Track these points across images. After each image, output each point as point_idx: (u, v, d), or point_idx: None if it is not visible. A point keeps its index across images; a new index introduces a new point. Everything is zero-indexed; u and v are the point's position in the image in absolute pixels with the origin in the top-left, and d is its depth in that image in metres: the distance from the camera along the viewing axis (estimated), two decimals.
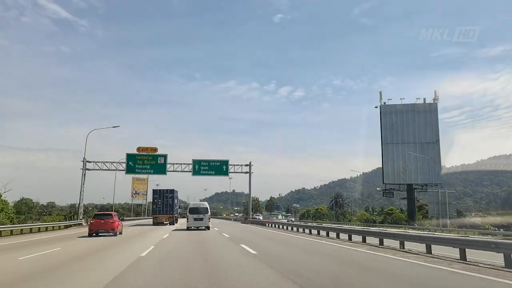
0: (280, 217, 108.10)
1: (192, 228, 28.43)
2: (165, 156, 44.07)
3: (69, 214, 47.44)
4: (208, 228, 28.77)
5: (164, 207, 41.09)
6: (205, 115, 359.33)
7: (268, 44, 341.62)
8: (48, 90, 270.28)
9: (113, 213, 25.94)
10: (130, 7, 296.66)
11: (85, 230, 26.60)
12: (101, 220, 22.73)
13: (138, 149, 43.44)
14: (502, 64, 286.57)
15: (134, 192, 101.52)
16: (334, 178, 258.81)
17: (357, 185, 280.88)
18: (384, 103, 62.41)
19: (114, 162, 43.89)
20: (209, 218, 29.11)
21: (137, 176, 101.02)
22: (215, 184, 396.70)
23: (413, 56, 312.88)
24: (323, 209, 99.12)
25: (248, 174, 46.58)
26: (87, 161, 42.81)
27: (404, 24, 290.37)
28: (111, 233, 22.37)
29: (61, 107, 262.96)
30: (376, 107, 62.84)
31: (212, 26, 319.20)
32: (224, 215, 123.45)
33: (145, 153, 43.35)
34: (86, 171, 42.71)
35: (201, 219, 28.31)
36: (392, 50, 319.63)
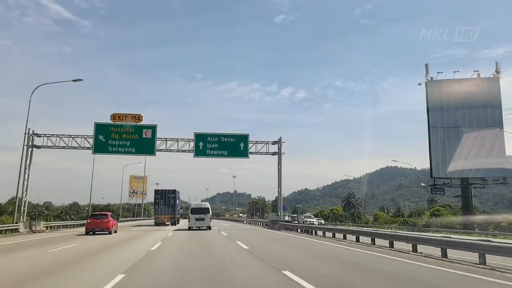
0: (286, 218, 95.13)
1: (194, 228, 27.93)
2: (153, 128, 29.45)
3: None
4: (209, 228, 28.38)
5: (166, 207, 39.71)
6: (205, 116, 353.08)
7: (269, 45, 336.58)
8: (49, 91, 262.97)
9: (108, 213, 27.02)
10: (131, 7, 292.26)
11: (23, 240, 19.24)
12: (97, 219, 24.13)
13: (113, 116, 28.69)
14: (505, 65, 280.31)
15: (132, 191, 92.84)
16: (336, 178, 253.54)
17: (360, 186, 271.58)
18: (431, 78, 48.46)
19: (77, 137, 29.33)
20: (211, 218, 28.87)
21: (134, 174, 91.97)
22: (216, 185, 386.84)
23: (415, 57, 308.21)
24: (339, 209, 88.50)
25: (276, 156, 31.64)
26: (36, 135, 28.50)
27: (405, 25, 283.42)
28: (106, 232, 23.69)
29: (61, 107, 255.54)
30: (419, 84, 49.20)
31: (213, 26, 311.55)
32: (227, 216, 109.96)
33: (123, 123, 28.89)
34: (35, 149, 28.54)
35: (203, 219, 28.00)
36: (394, 51, 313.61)
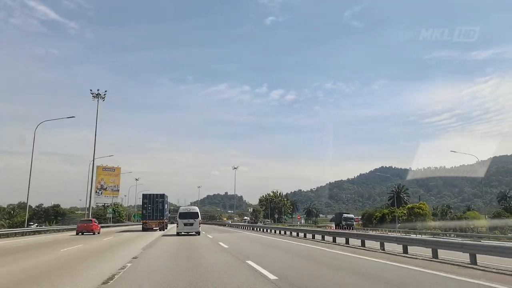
0: (302, 221, 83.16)
1: (182, 233, 27.31)
2: None
3: None
4: (198, 233, 27.78)
5: (154, 212, 38.91)
6: (196, 118, 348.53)
7: (259, 47, 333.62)
8: (40, 94, 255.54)
9: (93, 219, 35.43)
10: (121, 9, 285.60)
11: None
12: (85, 224, 31.97)
13: None
14: (492, 67, 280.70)
15: (99, 187, 74.50)
16: (331, 179, 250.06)
17: (355, 186, 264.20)
18: None
19: None
20: (199, 223, 28.54)
21: (102, 164, 70.68)
22: (206, 186, 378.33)
23: (405, 59, 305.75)
24: (424, 207, 63.62)
25: None
26: None
27: (394, 26, 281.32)
28: (91, 233, 30.84)
29: (54, 110, 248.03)
30: None
31: (202, 28, 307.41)
32: (224, 219, 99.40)
33: None
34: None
35: (192, 224, 27.56)
36: (384, 53, 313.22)
